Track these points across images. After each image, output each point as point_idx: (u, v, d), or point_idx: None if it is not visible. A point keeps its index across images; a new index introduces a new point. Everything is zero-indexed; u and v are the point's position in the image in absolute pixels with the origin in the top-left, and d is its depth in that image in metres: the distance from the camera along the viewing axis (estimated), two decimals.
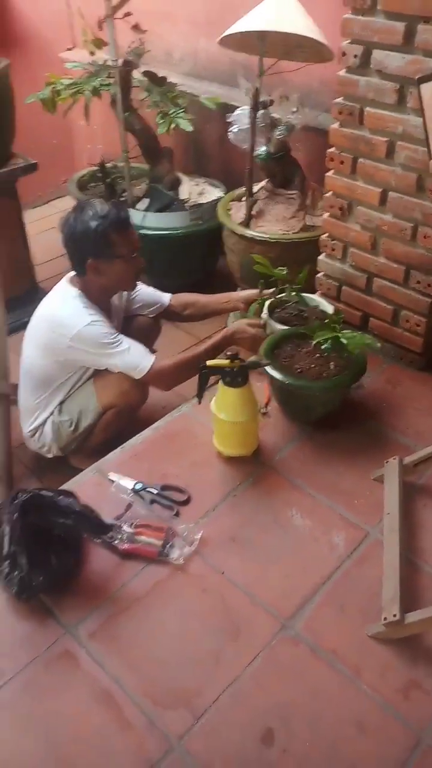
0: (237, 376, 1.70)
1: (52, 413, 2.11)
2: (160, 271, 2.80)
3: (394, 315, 2.12)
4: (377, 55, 1.79)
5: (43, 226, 3.81)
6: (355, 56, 1.84)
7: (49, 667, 1.38)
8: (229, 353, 1.69)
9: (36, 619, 1.46)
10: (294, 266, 2.13)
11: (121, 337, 1.97)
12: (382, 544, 1.56)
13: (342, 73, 1.91)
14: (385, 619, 1.39)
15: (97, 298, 2.01)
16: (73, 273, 2.03)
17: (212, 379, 1.79)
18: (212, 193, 3.08)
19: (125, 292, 2.18)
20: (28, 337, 2.07)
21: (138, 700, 1.32)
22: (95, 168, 3.29)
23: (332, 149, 2.04)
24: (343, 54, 1.87)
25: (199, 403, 1.79)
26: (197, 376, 1.75)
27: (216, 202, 2.88)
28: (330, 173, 2.09)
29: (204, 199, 3.02)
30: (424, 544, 1.61)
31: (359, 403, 2.03)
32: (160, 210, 2.94)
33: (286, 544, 1.62)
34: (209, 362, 1.71)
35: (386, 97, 1.81)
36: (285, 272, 2.09)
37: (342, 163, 2.02)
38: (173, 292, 2.32)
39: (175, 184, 3.06)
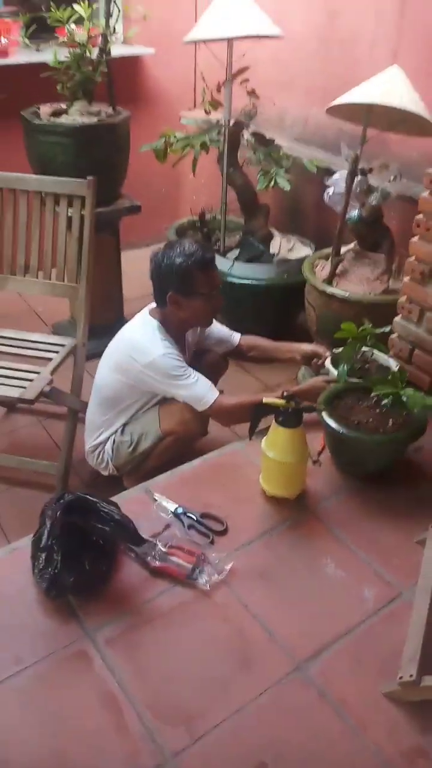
0: (291, 417, 1.74)
1: (114, 432, 2.22)
2: (243, 318, 2.91)
3: None
4: None
5: (139, 266, 4.01)
6: None
7: (63, 664, 1.42)
8: (285, 393, 1.74)
9: (60, 618, 1.52)
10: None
11: (190, 370, 2.07)
12: (412, 606, 1.53)
13: None
14: (401, 677, 1.35)
15: (174, 330, 2.13)
16: (154, 305, 2.16)
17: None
18: (302, 250, 3.19)
19: (197, 332, 2.29)
20: (105, 357, 2.21)
21: (140, 710, 1.34)
22: (195, 218, 3.49)
23: (420, 216, 2.10)
24: None
25: (250, 439, 1.84)
26: (250, 409, 1.81)
27: (303, 259, 2.98)
28: (415, 239, 2.14)
29: (293, 256, 3.13)
30: None
31: (416, 465, 2.00)
32: (249, 260, 3.07)
33: (314, 590, 1.61)
34: (265, 400, 1.77)
35: None
36: (369, 327, 2.09)
37: (428, 230, 2.07)
38: None
39: (267, 239, 3.19)
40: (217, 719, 1.33)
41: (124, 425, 2.21)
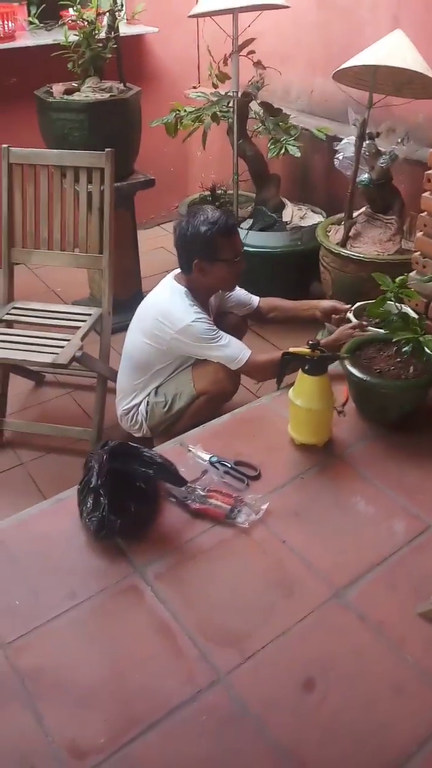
0: (316, 365, 1.82)
1: (148, 395, 2.30)
2: (260, 286, 2.96)
3: None
4: None
5: (153, 245, 4.12)
6: None
7: (116, 597, 1.52)
8: (310, 342, 1.81)
9: (109, 558, 1.61)
10: None
11: (221, 332, 2.16)
12: None
13: None
14: None
15: (201, 295, 2.22)
16: (178, 270, 2.24)
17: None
18: (314, 218, 3.26)
19: (221, 291, 2.37)
20: (133, 325, 2.29)
21: (192, 635, 1.43)
22: (206, 193, 3.56)
23: (430, 171, 2.16)
24: None
25: (278, 387, 1.92)
26: (279, 361, 1.89)
27: (316, 225, 3.04)
28: (426, 194, 2.20)
29: (305, 223, 3.20)
30: None
31: None
32: (262, 229, 3.14)
33: (346, 525, 1.69)
34: (291, 349, 1.85)
35: None
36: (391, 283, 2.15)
37: None
38: None
39: (279, 208, 3.26)
40: (264, 640, 1.42)
41: (157, 387, 2.29)
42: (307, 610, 1.48)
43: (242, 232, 3.09)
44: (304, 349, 1.83)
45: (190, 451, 1.90)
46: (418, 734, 1.26)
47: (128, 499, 1.64)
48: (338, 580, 1.55)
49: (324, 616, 1.47)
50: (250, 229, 3.15)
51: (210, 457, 1.88)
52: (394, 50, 2.46)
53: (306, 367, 1.83)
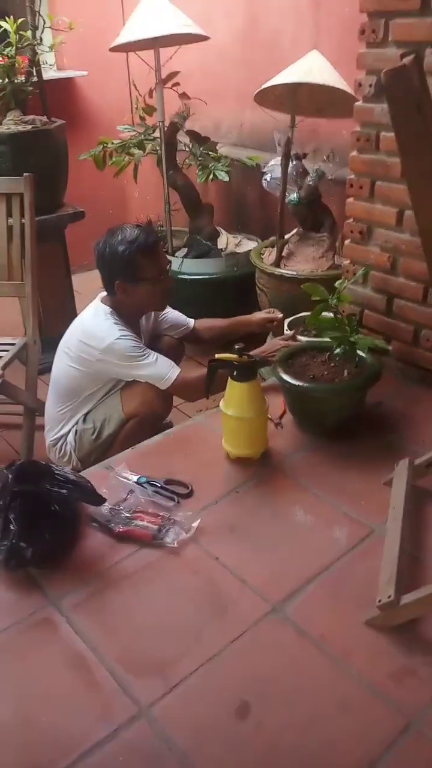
0: (244, 370, 1.71)
1: (76, 423, 2.16)
2: (199, 311, 2.89)
3: (414, 335, 2.11)
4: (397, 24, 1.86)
5: (93, 287, 4.02)
6: (370, 86, 1.96)
7: (26, 633, 1.34)
8: (237, 347, 1.72)
9: (21, 590, 1.44)
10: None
11: (148, 350, 2.05)
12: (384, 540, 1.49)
13: (359, 103, 2.03)
14: (379, 601, 1.30)
15: (127, 316, 2.11)
16: (104, 293, 2.15)
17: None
18: (249, 245, 3.23)
19: (154, 313, 2.27)
20: (60, 349, 2.17)
21: (111, 666, 1.26)
22: None
23: (352, 176, 2.14)
24: (359, 85, 2.00)
25: (207, 397, 1.81)
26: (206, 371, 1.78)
27: (250, 251, 3.01)
28: (350, 200, 2.18)
29: (240, 250, 3.18)
30: (426, 540, 1.53)
31: (377, 419, 1.99)
32: (197, 257, 3.09)
33: (285, 536, 1.56)
34: (218, 355, 1.75)
35: None
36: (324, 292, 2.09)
37: (361, 187, 2.11)
38: None
39: (214, 237, 3.23)
40: (192, 666, 1.26)
41: (86, 414, 2.16)
42: (240, 629, 1.33)
43: (177, 260, 3.04)
44: (230, 355, 1.73)
45: (112, 469, 1.76)
46: (369, 752, 1.10)
47: (42, 524, 1.48)
48: (275, 594, 1.40)
49: (259, 635, 1.32)
50: (185, 257, 3.10)
51: (138, 478, 1.74)
52: (311, 68, 2.49)
53: (234, 373, 1.72)
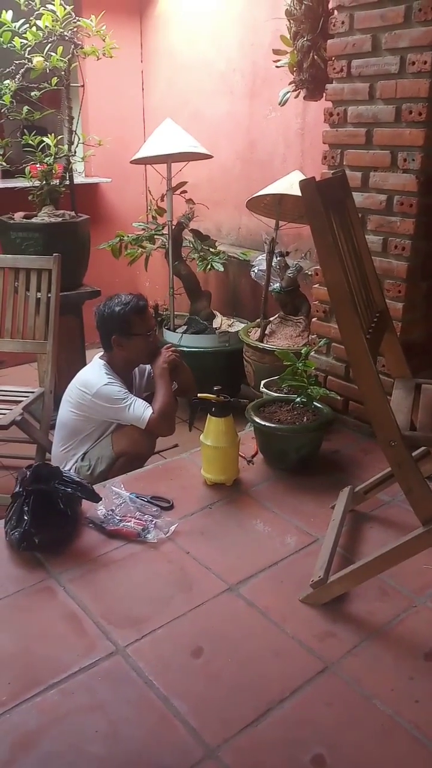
0: (221, 408, 2.12)
1: (77, 461, 2.55)
2: (197, 379, 3.33)
3: None
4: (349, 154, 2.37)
5: None
6: (333, 157, 2.45)
7: (31, 596, 1.68)
8: (216, 388, 2.14)
9: (29, 567, 1.78)
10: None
11: (131, 395, 2.45)
12: None
13: (324, 170, 2.50)
14: (312, 581, 1.64)
15: (120, 369, 2.54)
16: (102, 352, 2.60)
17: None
18: (240, 326, 3.71)
19: (146, 373, 2.71)
20: (63, 398, 2.59)
21: (97, 620, 1.59)
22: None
23: (317, 267, 2.63)
24: (325, 157, 2.49)
25: (190, 430, 2.21)
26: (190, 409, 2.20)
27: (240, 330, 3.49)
28: (316, 286, 2.66)
29: (233, 329, 3.64)
30: (356, 546, 1.88)
31: (333, 462, 2.37)
32: (195, 333, 3.57)
33: (245, 540, 1.91)
34: (200, 395, 2.16)
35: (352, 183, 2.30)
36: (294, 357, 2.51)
37: (320, 278, 2.59)
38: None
39: (210, 318, 3.72)
40: (162, 622, 1.59)
41: (85, 453, 2.54)
42: (202, 600, 1.66)
43: (177, 335, 3.51)
44: (210, 395, 2.14)
45: (112, 489, 2.13)
46: (293, 684, 1.42)
47: (50, 517, 1.85)
48: (232, 578, 1.74)
49: (216, 604, 1.65)
50: (184, 332, 3.57)
51: (129, 494, 2.11)
52: (293, 183, 3.05)
53: (213, 410, 2.13)
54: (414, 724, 1.33)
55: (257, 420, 2.23)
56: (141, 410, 2.41)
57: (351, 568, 1.62)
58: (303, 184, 1.34)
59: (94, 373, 2.49)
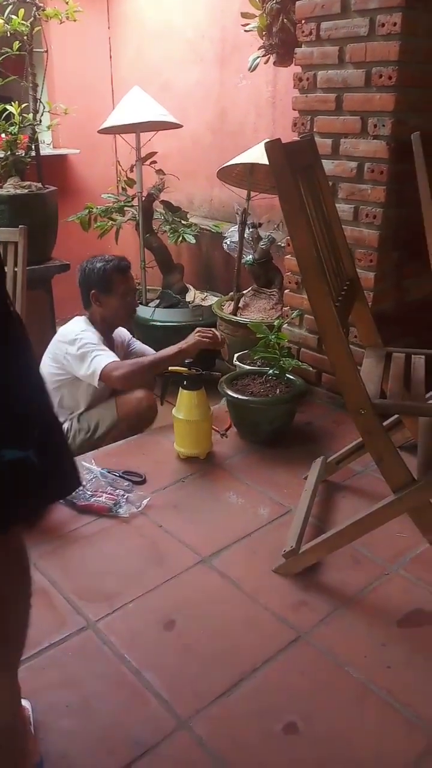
0: (193, 381, 2.09)
1: (71, 421, 2.49)
2: None
3: None
4: (319, 120, 2.33)
5: None
6: (303, 124, 2.42)
7: None
8: (187, 361, 2.11)
9: None
10: None
11: (99, 348, 2.37)
12: None
13: (295, 138, 2.45)
14: (284, 551, 1.64)
15: (99, 326, 2.51)
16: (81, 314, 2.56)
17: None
18: (214, 300, 3.67)
19: (125, 342, 2.67)
20: (44, 354, 2.53)
21: (68, 596, 1.57)
22: None
23: (288, 238, 2.59)
24: (295, 124, 2.46)
25: (161, 403, 2.18)
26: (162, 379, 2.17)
27: (213, 303, 3.45)
28: (288, 257, 2.63)
29: (206, 303, 3.60)
30: (328, 515, 1.88)
31: (305, 433, 2.36)
32: (168, 307, 3.52)
33: (218, 512, 1.90)
34: (171, 368, 2.13)
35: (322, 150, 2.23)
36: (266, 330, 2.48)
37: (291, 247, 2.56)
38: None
39: (183, 292, 3.68)
40: (133, 596, 1.57)
41: (79, 415, 2.50)
42: (174, 573, 1.65)
43: (149, 310, 3.46)
44: (181, 368, 2.11)
45: (82, 463, 2.10)
46: (265, 654, 1.41)
47: None
48: (205, 550, 1.73)
49: (189, 577, 1.64)
50: (157, 306, 3.53)
51: (100, 470, 2.08)
52: (263, 153, 2.99)
53: (184, 383, 2.10)
54: (387, 690, 1.33)
55: (230, 393, 2.21)
56: (98, 362, 2.32)
57: (323, 537, 1.61)
58: (269, 146, 1.31)
59: (72, 324, 2.51)
